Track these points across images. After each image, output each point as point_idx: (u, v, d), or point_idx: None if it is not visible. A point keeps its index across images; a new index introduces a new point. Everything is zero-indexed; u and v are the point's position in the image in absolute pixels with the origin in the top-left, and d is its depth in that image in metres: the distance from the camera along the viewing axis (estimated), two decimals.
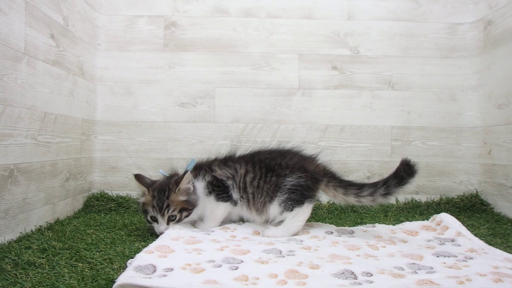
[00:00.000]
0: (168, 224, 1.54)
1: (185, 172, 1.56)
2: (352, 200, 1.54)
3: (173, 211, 1.54)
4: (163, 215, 1.53)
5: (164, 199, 1.53)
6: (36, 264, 1.17)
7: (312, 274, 1.06)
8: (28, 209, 1.57)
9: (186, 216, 1.58)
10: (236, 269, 1.10)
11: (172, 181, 1.58)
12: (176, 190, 1.54)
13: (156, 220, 1.54)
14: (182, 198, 1.55)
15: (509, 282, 0.99)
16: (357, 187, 1.53)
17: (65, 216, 1.88)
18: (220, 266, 1.13)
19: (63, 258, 1.23)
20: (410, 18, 2.28)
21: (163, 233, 1.48)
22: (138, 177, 1.62)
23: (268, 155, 1.67)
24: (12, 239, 1.44)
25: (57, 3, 1.78)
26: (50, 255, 1.25)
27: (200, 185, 1.62)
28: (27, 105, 1.55)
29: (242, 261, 1.18)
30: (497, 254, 1.26)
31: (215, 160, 1.71)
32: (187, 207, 1.56)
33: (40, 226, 1.63)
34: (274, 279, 1.04)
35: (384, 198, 1.49)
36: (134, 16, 2.25)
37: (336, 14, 2.28)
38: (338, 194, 1.56)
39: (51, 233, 1.53)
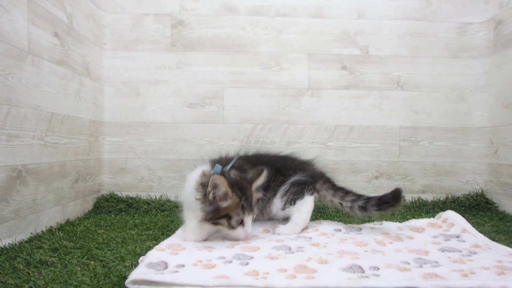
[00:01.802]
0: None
1: (261, 170, 1.43)
2: (336, 201, 1.62)
3: (255, 209, 1.42)
4: (252, 215, 1.38)
5: (250, 197, 1.37)
6: (48, 263, 1.15)
7: (321, 269, 1.07)
8: (38, 210, 1.53)
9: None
10: (246, 264, 1.11)
11: (248, 178, 1.41)
12: (253, 187, 1.40)
13: (241, 223, 1.36)
14: (259, 195, 1.45)
15: (511, 275, 1.01)
16: (344, 192, 1.61)
17: (75, 217, 1.84)
18: (231, 262, 1.14)
19: (75, 257, 1.21)
20: (420, 17, 2.21)
21: (249, 237, 1.38)
22: (226, 177, 1.35)
23: (272, 158, 1.71)
24: (23, 239, 1.41)
25: (60, 0, 1.70)
26: (62, 254, 1.23)
27: None
28: (33, 105, 1.50)
29: (252, 257, 1.18)
30: (500, 249, 1.28)
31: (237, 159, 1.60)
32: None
33: (51, 226, 1.60)
34: (283, 273, 1.04)
35: (360, 210, 1.56)
36: (140, 14, 2.17)
37: (346, 13, 2.20)
38: (328, 194, 1.63)
39: (62, 233, 1.50)
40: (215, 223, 1.34)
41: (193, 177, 1.40)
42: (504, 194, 2.05)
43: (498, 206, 2.08)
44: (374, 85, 2.21)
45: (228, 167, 1.42)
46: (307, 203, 1.56)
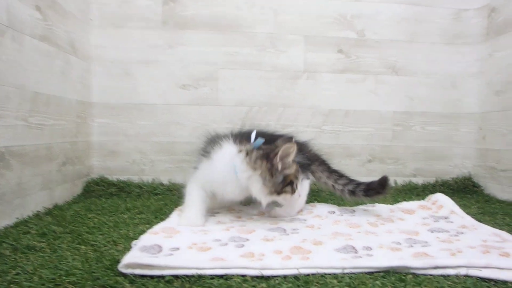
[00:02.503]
0: None
1: (290, 138, 1.41)
2: (330, 183, 1.61)
3: None
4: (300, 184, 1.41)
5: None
6: (37, 248, 1.09)
7: (315, 250, 1.08)
8: (24, 194, 1.44)
9: None
10: (242, 246, 1.10)
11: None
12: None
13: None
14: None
15: (496, 253, 1.05)
16: (338, 175, 1.61)
17: (64, 201, 1.74)
18: (226, 244, 1.12)
19: (65, 241, 1.16)
20: (418, 2, 2.16)
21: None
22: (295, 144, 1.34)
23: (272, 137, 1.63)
24: (8, 225, 1.33)
25: None
26: (51, 239, 1.18)
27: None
28: (15, 84, 1.38)
29: (247, 240, 1.17)
30: (486, 230, 1.32)
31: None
32: None
33: (38, 211, 1.51)
34: (279, 255, 1.04)
35: (350, 194, 1.56)
36: None
37: None
38: (323, 176, 1.62)
39: (50, 218, 1.42)
40: (281, 192, 1.31)
41: (227, 155, 1.34)
42: (490, 178, 2.09)
43: (484, 189, 2.14)
44: (370, 69, 2.17)
45: (262, 141, 1.36)
46: (304, 187, 1.55)
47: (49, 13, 1.62)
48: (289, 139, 1.40)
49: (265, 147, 1.33)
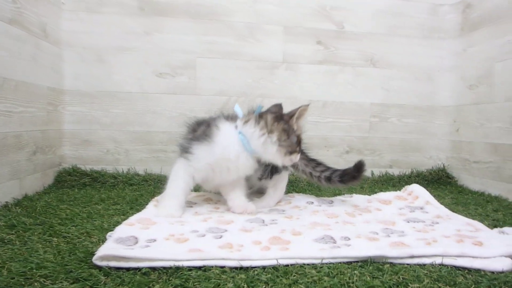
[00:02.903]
0: None
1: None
2: (308, 171, 1.61)
3: None
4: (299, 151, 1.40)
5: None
6: (5, 241, 1.05)
7: (294, 240, 1.08)
8: None
9: None
10: (220, 237, 1.08)
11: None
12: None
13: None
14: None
15: (469, 242, 1.07)
16: (316, 163, 1.62)
17: (34, 191, 1.68)
18: (204, 235, 1.10)
19: (35, 233, 1.11)
20: None
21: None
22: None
23: None
24: None
25: None
26: (21, 231, 1.13)
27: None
28: None
29: (226, 230, 1.15)
30: (459, 220, 1.35)
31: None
32: None
33: (6, 202, 1.45)
34: (258, 245, 1.03)
35: (326, 181, 1.57)
36: None
37: None
38: (302, 164, 1.61)
39: (19, 209, 1.36)
40: (293, 152, 1.34)
41: (231, 133, 1.34)
42: (463, 169, 2.13)
43: (457, 180, 2.18)
44: (348, 61, 2.16)
45: (261, 107, 1.40)
46: (283, 179, 1.55)
47: None
48: (279, 105, 1.40)
49: (274, 111, 1.36)
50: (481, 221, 1.33)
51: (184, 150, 1.34)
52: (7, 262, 0.90)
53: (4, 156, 1.45)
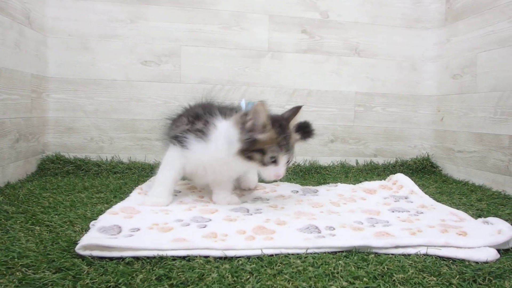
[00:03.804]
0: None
1: (298, 108, 1.26)
2: None
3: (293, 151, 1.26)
4: (288, 155, 1.22)
5: (288, 138, 1.21)
6: None
7: (279, 230, 1.06)
8: None
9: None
10: (204, 227, 1.07)
11: (285, 116, 1.26)
12: (290, 126, 1.24)
13: (274, 162, 1.20)
14: (297, 136, 1.30)
15: (454, 232, 1.07)
16: None
17: (17, 179, 1.64)
18: (189, 225, 1.08)
19: (18, 222, 1.09)
20: None
21: (281, 176, 1.22)
22: (265, 105, 1.18)
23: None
24: None
25: None
26: (2, 220, 1.10)
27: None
28: None
29: (210, 220, 1.14)
30: (444, 209, 1.33)
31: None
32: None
33: None
34: (242, 235, 1.01)
35: None
36: None
37: None
38: None
39: (1, 197, 1.34)
40: (248, 157, 1.19)
41: (224, 133, 1.23)
42: (447, 158, 2.13)
43: (442, 170, 2.17)
44: (333, 50, 2.14)
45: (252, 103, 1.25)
46: None
47: None
48: (296, 108, 1.30)
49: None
50: (465, 210, 1.32)
51: (179, 141, 1.28)
52: None
53: None
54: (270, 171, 1.21)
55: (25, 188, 1.48)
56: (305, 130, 1.48)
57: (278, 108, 2.05)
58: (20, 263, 0.81)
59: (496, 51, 1.77)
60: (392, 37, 2.19)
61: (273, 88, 2.09)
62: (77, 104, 1.94)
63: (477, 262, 0.91)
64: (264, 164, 1.20)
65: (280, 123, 1.21)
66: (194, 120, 1.31)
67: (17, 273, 0.78)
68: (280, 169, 1.20)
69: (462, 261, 0.92)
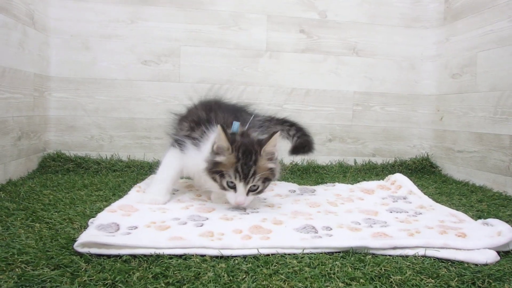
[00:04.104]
0: (247, 195, 1.21)
1: (273, 133, 1.20)
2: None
3: (258, 180, 1.20)
4: (246, 184, 1.19)
5: (251, 164, 1.18)
6: None
7: (275, 229, 1.05)
8: None
9: (266, 187, 1.25)
10: (201, 226, 1.07)
11: (256, 141, 1.21)
12: (262, 153, 1.19)
13: (234, 188, 1.20)
14: (270, 165, 1.22)
15: (453, 234, 1.04)
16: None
17: (18, 176, 1.65)
18: (186, 223, 1.09)
19: (18, 219, 1.09)
20: None
21: (240, 205, 1.21)
22: (225, 129, 1.18)
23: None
24: None
25: None
26: (3, 216, 1.11)
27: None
28: None
29: (207, 218, 1.14)
30: (443, 210, 1.31)
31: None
32: (270, 177, 1.23)
33: None
34: (239, 234, 1.01)
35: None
36: None
37: None
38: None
39: (3, 194, 1.35)
40: (212, 177, 1.21)
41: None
42: (447, 158, 2.10)
43: (441, 170, 2.14)
44: (331, 50, 2.14)
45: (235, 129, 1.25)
46: None
47: None
48: (271, 133, 1.22)
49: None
50: (465, 211, 1.30)
51: (179, 144, 1.31)
52: None
53: None
54: (230, 197, 1.21)
55: (26, 185, 1.49)
56: (305, 149, 1.53)
57: (276, 107, 2.07)
58: (19, 259, 0.82)
59: (496, 50, 1.76)
60: (390, 37, 2.18)
61: (271, 87, 2.09)
62: (78, 103, 1.96)
63: (476, 264, 0.89)
64: (223, 187, 1.21)
65: (247, 148, 1.19)
66: (195, 126, 1.33)
67: (17, 269, 0.79)
68: (238, 197, 1.19)
69: (461, 263, 0.91)
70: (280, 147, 1.46)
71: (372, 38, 2.17)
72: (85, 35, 1.94)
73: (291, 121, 1.62)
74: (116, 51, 1.96)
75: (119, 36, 1.96)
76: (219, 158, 1.19)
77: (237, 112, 1.41)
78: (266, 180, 1.22)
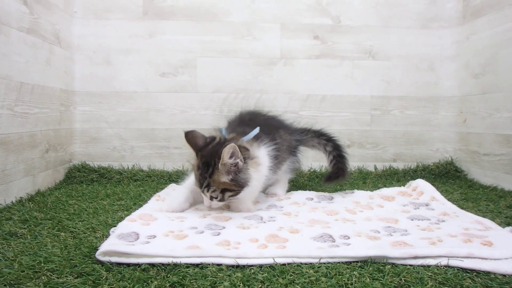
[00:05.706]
0: (211, 200, 1.24)
1: (225, 144, 1.19)
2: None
3: (214, 191, 1.22)
4: (203, 193, 1.24)
5: (206, 176, 1.21)
6: (18, 235, 1.08)
7: (292, 238, 1.04)
8: (7, 180, 1.42)
9: (232, 196, 1.24)
10: (218, 234, 1.06)
11: (220, 151, 1.19)
12: (219, 166, 1.19)
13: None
14: (224, 178, 1.21)
15: (478, 242, 0.98)
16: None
17: (46, 187, 1.72)
18: (203, 232, 1.09)
19: (45, 228, 1.14)
20: None
21: (208, 208, 1.28)
22: (189, 136, 1.24)
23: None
24: None
25: None
26: (32, 226, 1.16)
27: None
28: (1, 75, 1.38)
29: (224, 227, 1.13)
30: (468, 217, 1.25)
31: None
32: (233, 188, 1.22)
33: (21, 197, 1.50)
34: (255, 243, 1.00)
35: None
36: None
37: None
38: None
39: (32, 204, 1.40)
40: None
41: None
42: (472, 162, 2.02)
43: (467, 174, 2.05)
44: (346, 54, 2.13)
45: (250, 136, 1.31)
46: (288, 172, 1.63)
47: (35, 7, 1.62)
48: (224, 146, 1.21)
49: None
50: (493, 218, 1.23)
51: None
52: (18, 255, 0.92)
53: (20, 155, 1.50)
54: (204, 200, 1.27)
55: (53, 195, 1.55)
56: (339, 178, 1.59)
57: (293, 114, 2.07)
58: (45, 267, 0.85)
59: None
60: (407, 38, 2.14)
61: (286, 94, 2.10)
62: (101, 115, 2.02)
63: (504, 275, 0.84)
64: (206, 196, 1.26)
65: (207, 160, 1.21)
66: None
67: (43, 277, 0.81)
68: (204, 201, 1.26)
69: (487, 273, 0.86)
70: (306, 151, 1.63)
71: (387, 41, 2.14)
72: (106, 51, 2.01)
73: (328, 135, 1.66)
74: (136, 65, 2.02)
75: (138, 50, 2.02)
76: (193, 162, 1.27)
77: (270, 123, 1.46)
78: (226, 191, 1.22)
